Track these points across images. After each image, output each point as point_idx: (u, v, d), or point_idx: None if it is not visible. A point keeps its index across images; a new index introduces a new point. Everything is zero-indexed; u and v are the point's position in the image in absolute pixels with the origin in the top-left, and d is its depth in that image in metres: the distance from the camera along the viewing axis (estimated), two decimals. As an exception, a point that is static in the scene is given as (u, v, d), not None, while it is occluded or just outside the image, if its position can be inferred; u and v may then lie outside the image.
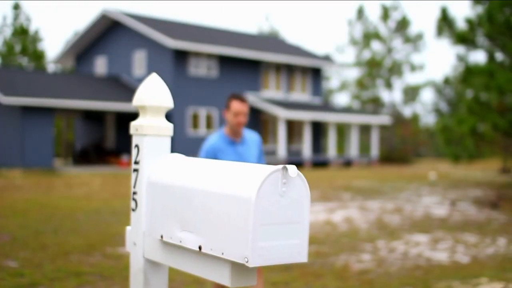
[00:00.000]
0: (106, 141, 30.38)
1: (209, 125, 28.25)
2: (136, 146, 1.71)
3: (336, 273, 6.08)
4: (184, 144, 27.07)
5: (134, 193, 1.72)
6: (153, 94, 1.70)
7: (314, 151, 31.78)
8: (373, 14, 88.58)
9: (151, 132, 1.68)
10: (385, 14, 45.15)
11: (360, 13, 46.28)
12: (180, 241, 1.53)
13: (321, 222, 10.00)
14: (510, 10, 15.61)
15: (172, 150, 26.20)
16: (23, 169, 22.82)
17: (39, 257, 6.56)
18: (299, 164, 28.98)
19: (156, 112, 1.71)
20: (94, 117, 30.34)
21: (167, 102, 1.73)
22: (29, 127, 23.47)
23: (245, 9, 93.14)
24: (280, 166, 1.36)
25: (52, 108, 24.10)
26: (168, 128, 1.73)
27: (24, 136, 23.31)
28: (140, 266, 1.70)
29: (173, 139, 26.65)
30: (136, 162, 1.71)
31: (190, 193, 1.50)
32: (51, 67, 41.59)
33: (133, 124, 1.72)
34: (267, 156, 29.45)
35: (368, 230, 9.11)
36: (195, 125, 27.82)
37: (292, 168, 1.37)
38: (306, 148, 29.61)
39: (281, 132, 28.29)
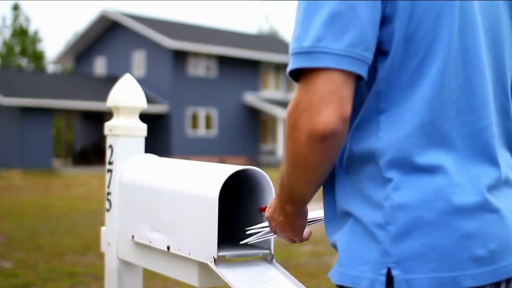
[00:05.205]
0: (106, 141, 30.40)
1: (208, 125, 28.24)
2: (110, 146, 1.72)
3: (330, 273, 6.07)
4: (183, 144, 27.06)
5: (108, 193, 1.73)
6: (126, 94, 1.71)
7: (313, 151, 31.77)
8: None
9: (124, 133, 1.69)
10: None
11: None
12: (150, 241, 1.54)
13: (317, 222, 10.00)
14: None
15: (171, 151, 26.21)
16: (22, 169, 22.84)
17: (34, 257, 6.56)
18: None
19: (130, 113, 1.71)
20: (93, 118, 30.34)
21: (140, 102, 1.73)
22: (28, 128, 23.49)
23: (244, 9, 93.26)
24: (244, 166, 1.37)
25: (51, 108, 24.11)
26: (142, 128, 1.73)
27: (24, 137, 23.33)
28: (114, 267, 1.71)
29: (172, 140, 26.65)
30: (110, 163, 1.72)
31: (159, 193, 1.51)
32: (50, 68, 41.64)
33: (107, 125, 1.73)
34: (266, 156, 29.43)
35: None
36: (194, 125, 27.82)
37: (256, 169, 1.37)
38: (305, 148, 29.63)
39: (281, 132, 28.28)
